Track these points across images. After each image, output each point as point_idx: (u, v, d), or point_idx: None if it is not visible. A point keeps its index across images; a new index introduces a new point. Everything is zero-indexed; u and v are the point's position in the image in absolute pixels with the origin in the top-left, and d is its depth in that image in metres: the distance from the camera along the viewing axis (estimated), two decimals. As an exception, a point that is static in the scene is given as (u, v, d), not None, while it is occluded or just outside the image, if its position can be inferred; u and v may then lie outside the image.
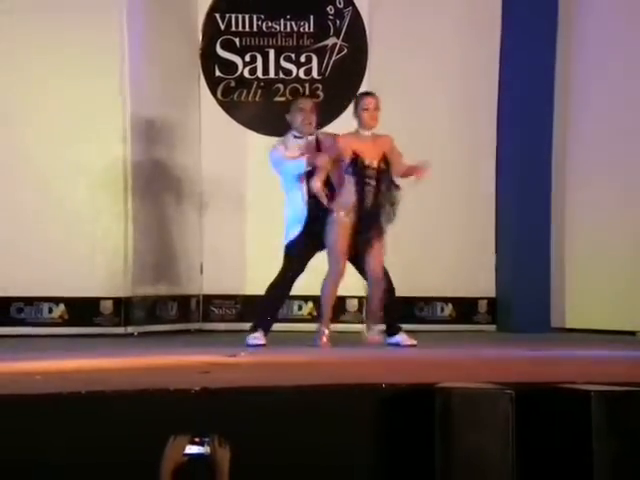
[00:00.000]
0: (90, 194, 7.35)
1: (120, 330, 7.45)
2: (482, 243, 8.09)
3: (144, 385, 4.41)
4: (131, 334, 7.44)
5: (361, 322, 7.65)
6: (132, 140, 7.44)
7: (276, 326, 7.61)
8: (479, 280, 8.09)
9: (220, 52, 8.04)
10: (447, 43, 8.02)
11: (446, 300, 8.08)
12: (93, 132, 7.34)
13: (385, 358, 6.07)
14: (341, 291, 7.75)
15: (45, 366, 5.27)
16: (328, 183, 6.42)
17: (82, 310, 7.41)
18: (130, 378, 4.85)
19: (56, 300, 7.42)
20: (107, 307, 7.46)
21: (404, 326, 7.72)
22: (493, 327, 8.14)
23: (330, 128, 7.81)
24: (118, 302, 7.46)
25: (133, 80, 7.43)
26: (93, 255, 7.37)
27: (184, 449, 3.67)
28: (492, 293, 8.15)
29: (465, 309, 8.12)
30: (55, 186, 7.35)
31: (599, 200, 7.79)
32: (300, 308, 7.96)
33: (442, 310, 8.10)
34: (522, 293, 7.95)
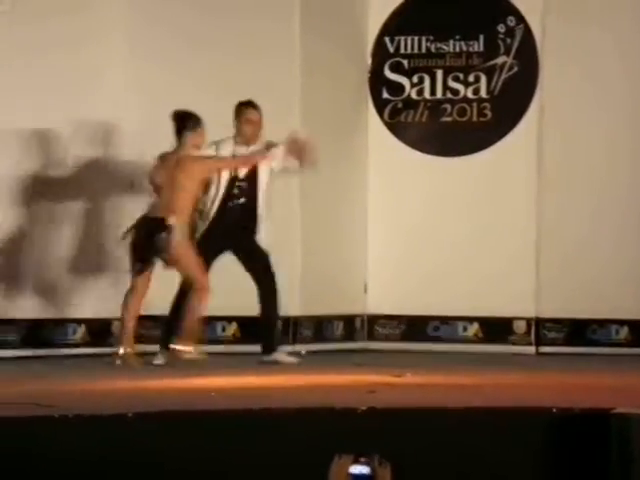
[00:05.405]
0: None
1: (288, 348, 7.52)
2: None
3: (311, 404, 4.44)
4: (299, 352, 7.51)
5: (529, 344, 7.50)
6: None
7: (440, 346, 7.55)
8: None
9: (388, 74, 8.07)
10: (619, 61, 7.79)
11: (621, 322, 7.80)
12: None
13: (556, 381, 5.92)
14: (509, 312, 7.64)
15: (219, 383, 5.39)
16: None
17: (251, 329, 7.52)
18: (297, 396, 4.89)
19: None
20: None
21: (574, 349, 7.55)
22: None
23: (499, 146, 7.73)
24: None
25: (303, 103, 7.54)
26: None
27: (348, 468, 3.67)
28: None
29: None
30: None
31: None
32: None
33: (617, 333, 7.81)
34: None
